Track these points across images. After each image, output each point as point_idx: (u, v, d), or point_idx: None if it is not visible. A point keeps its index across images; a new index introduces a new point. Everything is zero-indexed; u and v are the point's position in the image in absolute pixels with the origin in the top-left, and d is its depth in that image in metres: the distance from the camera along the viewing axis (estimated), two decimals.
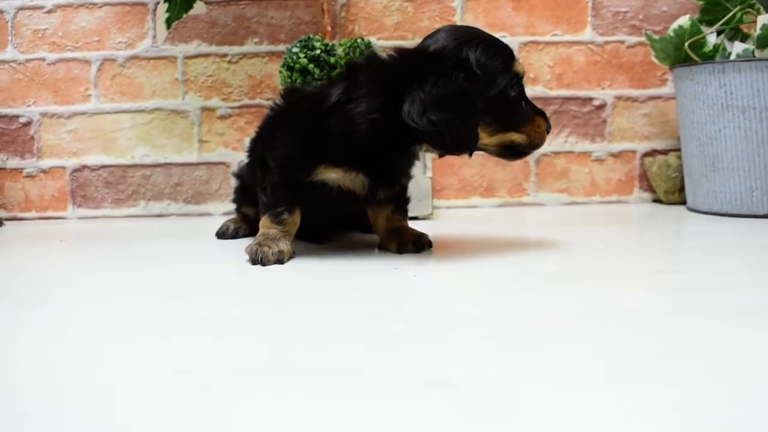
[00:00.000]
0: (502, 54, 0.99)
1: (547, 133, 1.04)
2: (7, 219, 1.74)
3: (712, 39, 1.48)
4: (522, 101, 1.02)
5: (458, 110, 0.94)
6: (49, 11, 1.72)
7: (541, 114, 1.04)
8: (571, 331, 0.61)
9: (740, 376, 0.49)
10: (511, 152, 1.04)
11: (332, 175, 1.02)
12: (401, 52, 1.02)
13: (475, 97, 0.96)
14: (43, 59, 1.73)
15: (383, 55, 1.05)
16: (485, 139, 1.01)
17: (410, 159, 1.10)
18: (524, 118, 1.02)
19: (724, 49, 1.48)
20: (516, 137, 1.02)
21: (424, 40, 1.04)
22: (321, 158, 1.02)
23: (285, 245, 1.03)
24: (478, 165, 1.72)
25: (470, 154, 1.00)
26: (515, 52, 1.02)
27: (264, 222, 1.08)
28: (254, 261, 1.00)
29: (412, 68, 0.97)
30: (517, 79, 1.01)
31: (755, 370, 0.51)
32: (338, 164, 1.02)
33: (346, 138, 0.99)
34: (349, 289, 0.82)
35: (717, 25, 1.49)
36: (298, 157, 1.04)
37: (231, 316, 0.72)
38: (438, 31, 1.03)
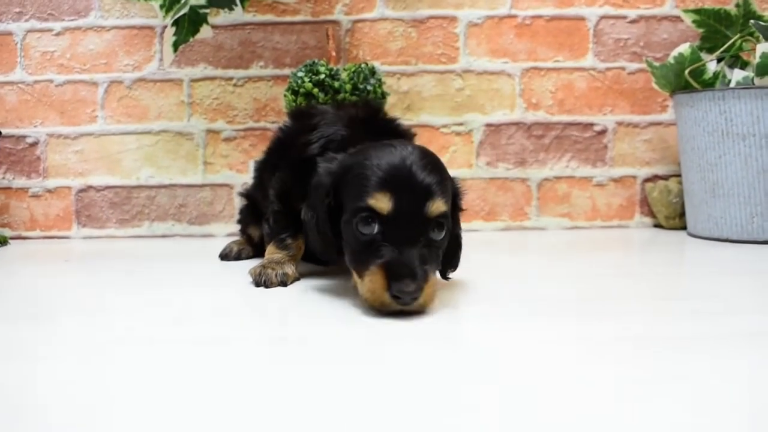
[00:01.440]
0: (370, 182, 0.83)
1: (396, 299, 0.78)
2: (12, 238, 1.76)
3: (712, 66, 1.50)
4: (375, 244, 0.82)
5: (315, 215, 0.91)
6: (58, 34, 1.74)
7: (393, 272, 0.78)
8: (573, 357, 0.62)
9: (742, 403, 0.50)
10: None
11: None
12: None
13: (327, 212, 0.90)
14: (51, 81, 1.75)
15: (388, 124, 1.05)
16: (348, 261, 0.89)
17: None
18: (365, 263, 0.83)
19: (724, 76, 1.50)
20: (356, 281, 0.86)
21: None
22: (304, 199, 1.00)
23: (290, 269, 1.03)
24: (480, 189, 1.74)
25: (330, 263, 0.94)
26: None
27: (270, 249, 1.09)
28: (257, 283, 1.01)
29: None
30: (374, 217, 0.82)
31: (757, 397, 0.51)
32: None
33: None
34: (351, 312, 0.83)
35: (717, 53, 1.51)
36: (290, 191, 1.05)
37: (233, 337, 0.73)
38: (383, 142, 0.90)
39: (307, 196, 0.94)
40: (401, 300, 0.78)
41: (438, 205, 0.83)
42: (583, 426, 0.46)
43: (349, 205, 0.85)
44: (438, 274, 0.92)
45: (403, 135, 1.06)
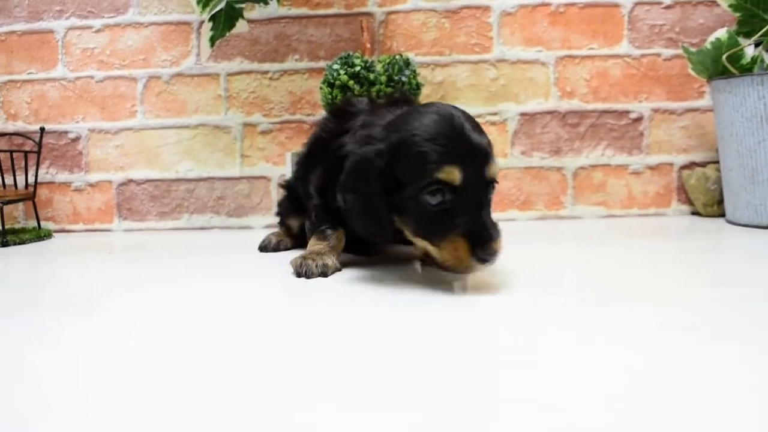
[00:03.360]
0: (431, 156, 0.86)
1: (482, 262, 0.85)
2: (56, 231, 1.80)
3: (749, 51, 1.48)
4: (448, 213, 0.87)
5: (364, 195, 0.93)
6: (98, 31, 1.78)
7: (472, 236, 0.85)
8: (611, 345, 0.63)
9: None
10: (434, 263, 0.93)
11: None
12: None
13: (382, 190, 0.91)
14: (92, 77, 1.79)
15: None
16: (409, 236, 0.95)
17: None
18: (442, 233, 0.87)
19: (763, 60, 1.48)
20: (431, 249, 0.91)
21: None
22: None
23: (330, 260, 1.05)
24: (515, 179, 1.74)
25: (384, 243, 0.96)
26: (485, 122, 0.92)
27: (311, 241, 1.11)
28: (299, 274, 1.03)
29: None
30: (443, 188, 0.86)
31: None
32: None
33: None
34: (392, 303, 0.84)
35: (755, 37, 1.49)
36: (329, 188, 1.07)
37: (275, 327, 0.74)
38: (418, 109, 0.94)
39: (342, 182, 0.96)
40: (486, 261, 0.85)
41: (495, 167, 0.89)
42: (623, 412, 0.46)
43: (413, 180, 0.88)
44: None
45: None
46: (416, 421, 0.46)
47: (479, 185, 0.87)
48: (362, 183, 0.93)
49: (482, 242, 0.84)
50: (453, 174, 0.85)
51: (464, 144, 0.87)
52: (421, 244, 0.93)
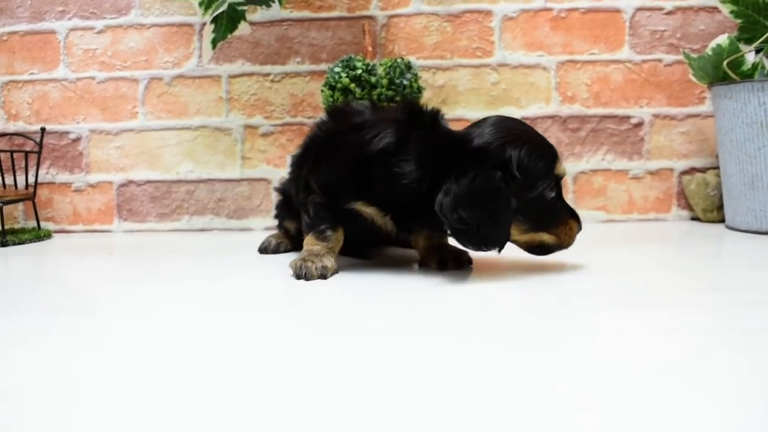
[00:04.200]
0: (546, 157, 1.00)
1: (578, 232, 1.06)
2: (55, 231, 1.80)
3: (750, 57, 1.48)
4: (558, 203, 1.04)
5: (490, 210, 0.96)
6: (100, 32, 1.78)
7: (575, 216, 1.06)
8: (608, 348, 0.63)
9: None
10: (539, 250, 1.05)
11: (367, 210, 1.06)
12: (453, 135, 1.03)
13: (510, 199, 0.97)
14: (93, 78, 1.79)
15: (443, 123, 1.07)
16: (516, 236, 1.03)
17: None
18: (558, 220, 1.04)
19: (763, 67, 1.48)
20: (546, 238, 1.04)
21: (471, 126, 1.04)
22: (359, 195, 1.06)
23: (329, 261, 1.05)
24: None
25: (499, 251, 1.00)
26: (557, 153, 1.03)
27: (308, 240, 1.11)
28: (298, 276, 1.03)
29: (454, 158, 0.98)
30: (557, 181, 1.02)
31: None
32: (373, 204, 1.06)
33: (382, 188, 1.02)
34: (392, 305, 0.84)
35: (756, 44, 1.49)
36: (339, 187, 1.07)
37: (276, 328, 0.74)
38: (486, 120, 1.03)
39: (460, 200, 0.95)
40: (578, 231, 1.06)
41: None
42: (613, 416, 0.46)
43: (535, 183, 0.99)
44: None
45: (448, 134, 1.07)
46: (419, 422, 0.46)
47: (558, 180, 1.04)
48: (490, 198, 0.96)
49: (579, 220, 1.06)
50: (561, 167, 1.03)
51: (552, 145, 1.04)
52: (533, 237, 1.04)
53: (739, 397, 0.49)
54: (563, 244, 1.05)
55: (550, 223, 1.03)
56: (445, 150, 0.99)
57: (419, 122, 1.04)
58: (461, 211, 0.94)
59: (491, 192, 0.95)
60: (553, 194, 1.01)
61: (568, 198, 1.74)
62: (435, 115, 1.07)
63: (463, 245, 1.00)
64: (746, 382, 0.53)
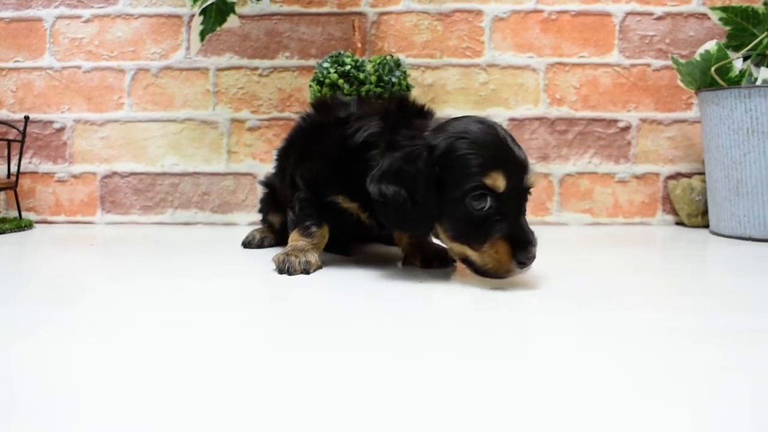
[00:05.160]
0: (480, 159, 0.88)
1: (521, 266, 0.88)
2: (37, 222, 1.78)
3: (738, 64, 1.49)
4: (492, 218, 0.89)
5: (409, 190, 0.92)
6: (87, 21, 1.76)
7: (515, 240, 0.88)
8: (591, 349, 0.63)
9: (759, 397, 0.50)
10: (472, 268, 0.93)
11: (349, 205, 1.06)
12: (418, 126, 0.99)
13: (431, 184, 0.92)
14: (79, 67, 1.77)
15: (427, 118, 1.05)
16: (444, 239, 0.96)
17: None
18: (484, 236, 0.89)
19: (750, 74, 1.49)
20: (470, 253, 0.92)
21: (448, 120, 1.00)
22: (341, 189, 1.05)
23: (313, 257, 1.04)
24: None
25: (422, 238, 0.98)
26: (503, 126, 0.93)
27: (293, 236, 1.10)
28: (281, 270, 1.02)
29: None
30: (487, 193, 0.88)
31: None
32: (354, 199, 1.05)
33: (362, 182, 0.98)
34: (373, 301, 0.83)
35: (743, 51, 1.50)
36: (322, 181, 1.06)
37: (255, 322, 0.74)
38: (465, 116, 0.98)
39: (383, 173, 0.95)
40: (525, 265, 0.89)
41: (532, 177, 0.93)
42: (587, 418, 0.46)
43: (458, 183, 0.90)
44: None
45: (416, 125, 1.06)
46: (405, 422, 0.45)
47: (519, 193, 0.91)
48: (409, 176, 0.93)
49: (523, 246, 0.88)
50: (498, 180, 0.88)
51: (508, 153, 0.91)
52: (458, 249, 0.94)
53: (712, 398, 0.49)
54: (487, 267, 0.90)
55: (474, 237, 0.91)
56: (407, 141, 0.97)
57: (402, 116, 1.03)
58: (383, 186, 0.94)
59: (411, 172, 0.92)
60: (485, 206, 0.89)
61: (554, 200, 1.74)
62: (420, 110, 1.07)
63: (383, 222, 0.98)
64: (724, 381, 0.53)
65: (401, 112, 1.04)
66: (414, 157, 0.93)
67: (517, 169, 0.90)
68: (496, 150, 0.90)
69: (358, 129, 1.02)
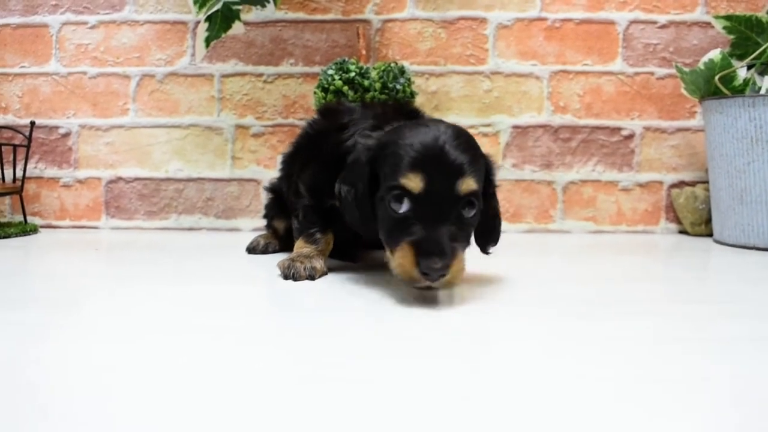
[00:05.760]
0: (404, 162, 0.84)
1: (425, 276, 0.80)
2: (42, 226, 1.79)
3: (742, 73, 1.49)
4: (408, 221, 0.84)
5: (356, 188, 0.93)
6: (93, 27, 1.77)
7: (422, 249, 0.81)
8: (594, 355, 0.63)
9: (762, 406, 0.50)
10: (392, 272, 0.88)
11: None
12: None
13: (364, 182, 0.91)
14: (85, 73, 1.78)
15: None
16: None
17: None
18: (397, 239, 0.85)
19: (755, 83, 1.49)
20: (388, 256, 0.89)
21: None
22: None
23: (318, 263, 1.04)
24: (505, 191, 1.74)
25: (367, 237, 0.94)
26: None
27: (299, 243, 1.10)
28: (286, 276, 1.02)
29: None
30: (405, 195, 0.84)
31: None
32: None
33: None
34: (378, 306, 0.83)
35: (748, 60, 1.50)
36: (323, 186, 1.06)
37: (258, 328, 0.74)
38: (420, 122, 0.95)
39: (343, 174, 0.97)
40: (429, 276, 0.80)
41: (468, 184, 0.85)
42: (582, 426, 0.46)
43: (384, 182, 0.88)
44: (480, 249, 0.99)
45: None
46: (403, 427, 0.45)
47: (445, 199, 0.84)
48: (356, 176, 0.93)
49: (427, 254, 0.80)
50: (414, 181, 0.83)
51: (437, 156, 0.84)
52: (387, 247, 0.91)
53: (719, 405, 0.49)
54: (396, 272, 0.85)
55: (390, 238, 0.87)
56: (362, 140, 0.98)
57: (395, 121, 1.02)
58: (341, 186, 0.95)
59: (356, 171, 0.93)
60: (402, 208, 0.85)
61: (557, 207, 1.74)
62: (414, 114, 1.07)
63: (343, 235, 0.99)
64: (726, 389, 0.53)
65: (396, 116, 1.05)
66: (356, 159, 0.95)
67: (442, 172, 0.84)
68: (424, 152, 0.84)
69: (353, 134, 1.03)
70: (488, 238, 0.99)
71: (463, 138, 0.88)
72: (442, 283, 0.82)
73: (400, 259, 0.83)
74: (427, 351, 0.64)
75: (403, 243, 0.83)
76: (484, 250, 0.99)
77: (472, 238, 0.94)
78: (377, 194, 0.90)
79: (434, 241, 0.81)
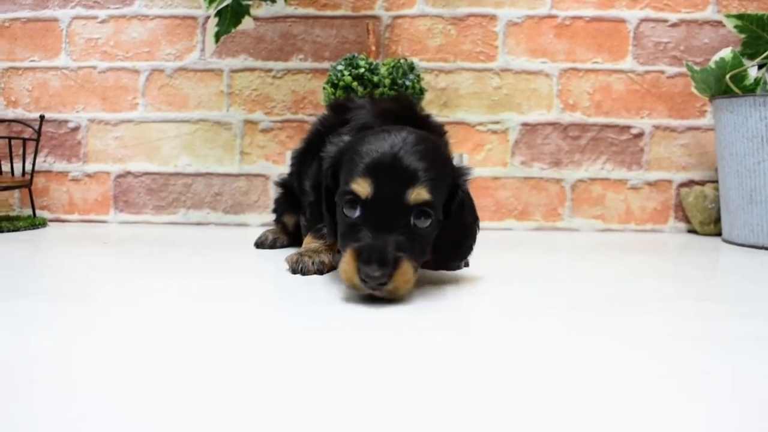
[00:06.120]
0: (357, 167, 0.84)
1: (363, 283, 0.80)
2: (51, 220, 1.79)
3: (753, 72, 1.49)
4: (358, 227, 0.84)
5: (319, 192, 0.95)
6: (103, 21, 1.77)
7: (363, 256, 0.80)
8: (601, 350, 0.62)
9: (766, 403, 0.50)
10: None
11: None
12: None
13: (322, 188, 0.93)
14: (95, 67, 1.78)
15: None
16: None
17: None
18: (345, 245, 0.85)
19: (765, 82, 1.48)
20: (341, 256, 0.87)
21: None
22: None
23: (326, 257, 1.04)
24: (513, 188, 1.74)
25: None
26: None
27: (307, 239, 1.11)
28: (294, 270, 1.02)
29: None
30: (356, 200, 0.84)
31: None
32: None
33: None
34: (385, 301, 0.83)
35: (759, 59, 1.49)
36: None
37: (266, 321, 0.74)
38: (383, 128, 0.93)
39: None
40: (368, 284, 0.80)
41: (419, 193, 0.83)
42: (586, 421, 0.46)
43: (340, 188, 0.88)
44: (440, 265, 0.97)
45: (433, 129, 1.08)
46: (411, 421, 0.45)
47: (395, 207, 0.83)
48: (317, 182, 0.95)
49: (367, 262, 0.79)
50: (363, 186, 0.83)
51: (389, 163, 0.83)
52: None
53: (725, 402, 0.49)
54: (342, 277, 0.83)
55: (341, 243, 0.87)
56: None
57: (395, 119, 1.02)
58: (313, 190, 0.97)
59: (317, 179, 0.94)
60: (353, 213, 0.84)
61: (565, 205, 1.74)
62: (414, 112, 1.08)
63: None
64: (726, 388, 0.53)
65: (399, 113, 1.06)
66: (320, 164, 0.95)
67: (393, 180, 0.83)
68: (378, 159, 0.84)
69: (350, 131, 1.03)
70: (453, 253, 0.95)
71: (423, 146, 0.87)
72: (384, 292, 0.81)
73: (344, 264, 0.82)
74: (434, 345, 0.63)
75: (348, 248, 0.83)
76: (448, 266, 0.98)
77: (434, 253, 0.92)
78: (334, 199, 0.90)
79: (376, 249, 0.80)
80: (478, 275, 1.04)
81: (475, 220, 0.95)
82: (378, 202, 0.83)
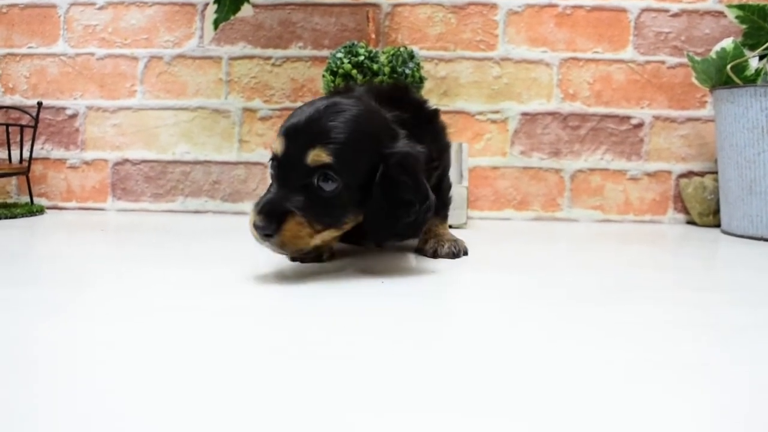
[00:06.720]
0: (281, 129, 0.90)
1: (256, 229, 0.84)
2: (48, 207, 1.79)
3: (754, 63, 1.48)
4: (272, 182, 0.89)
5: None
6: (101, 8, 1.76)
7: (257, 208, 0.85)
8: (599, 339, 0.62)
9: (759, 393, 0.50)
10: None
11: None
12: None
13: None
14: (93, 54, 1.77)
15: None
16: None
17: None
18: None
19: (766, 73, 1.48)
20: None
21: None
22: None
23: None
24: (513, 178, 1.73)
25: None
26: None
27: None
28: (293, 258, 1.02)
29: None
30: (273, 157, 0.89)
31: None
32: None
33: None
34: (381, 288, 0.83)
35: (760, 50, 1.49)
36: None
37: (264, 306, 0.74)
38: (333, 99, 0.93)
39: None
40: (258, 232, 0.84)
41: (318, 155, 0.85)
42: (591, 414, 0.46)
43: None
44: (372, 239, 0.98)
45: (426, 113, 1.10)
46: (405, 415, 0.45)
47: (296, 166, 0.86)
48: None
49: (258, 212, 0.83)
50: (276, 145, 0.88)
51: (298, 124, 0.87)
52: None
53: (722, 391, 0.49)
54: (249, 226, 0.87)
55: None
56: None
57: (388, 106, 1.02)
58: None
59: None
60: (273, 172, 0.89)
61: (564, 195, 1.74)
62: (408, 97, 1.09)
63: None
64: (730, 376, 0.52)
65: (394, 98, 1.06)
66: None
67: (298, 140, 0.86)
68: (294, 122, 0.88)
69: None
70: (389, 229, 0.93)
71: (345, 115, 0.88)
72: (273, 245, 0.85)
73: (250, 215, 0.86)
74: (428, 334, 0.63)
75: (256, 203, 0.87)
76: (378, 241, 0.99)
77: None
78: None
79: (268, 202, 0.85)
80: (476, 264, 1.04)
81: (423, 199, 0.91)
82: (286, 160, 0.87)
